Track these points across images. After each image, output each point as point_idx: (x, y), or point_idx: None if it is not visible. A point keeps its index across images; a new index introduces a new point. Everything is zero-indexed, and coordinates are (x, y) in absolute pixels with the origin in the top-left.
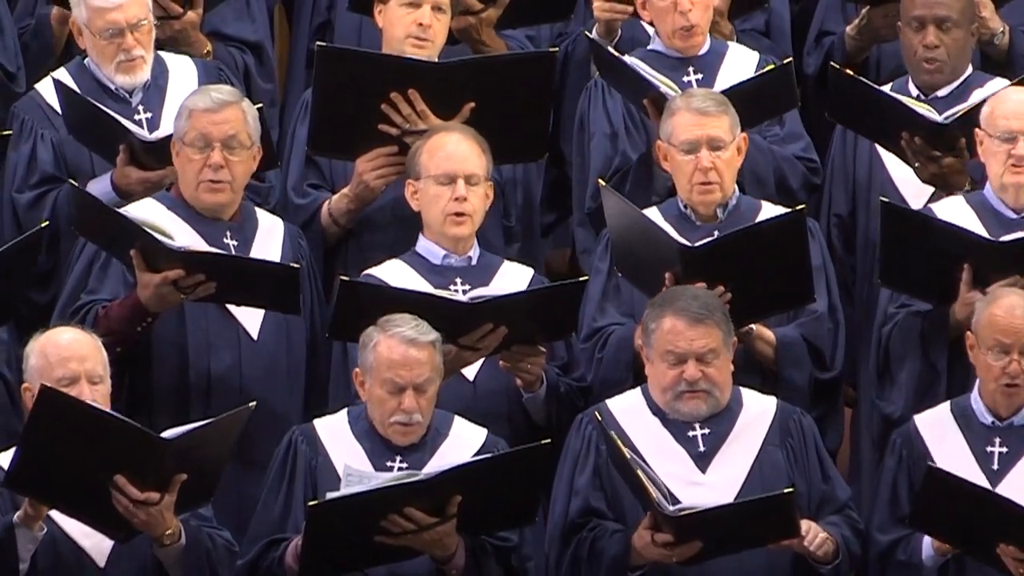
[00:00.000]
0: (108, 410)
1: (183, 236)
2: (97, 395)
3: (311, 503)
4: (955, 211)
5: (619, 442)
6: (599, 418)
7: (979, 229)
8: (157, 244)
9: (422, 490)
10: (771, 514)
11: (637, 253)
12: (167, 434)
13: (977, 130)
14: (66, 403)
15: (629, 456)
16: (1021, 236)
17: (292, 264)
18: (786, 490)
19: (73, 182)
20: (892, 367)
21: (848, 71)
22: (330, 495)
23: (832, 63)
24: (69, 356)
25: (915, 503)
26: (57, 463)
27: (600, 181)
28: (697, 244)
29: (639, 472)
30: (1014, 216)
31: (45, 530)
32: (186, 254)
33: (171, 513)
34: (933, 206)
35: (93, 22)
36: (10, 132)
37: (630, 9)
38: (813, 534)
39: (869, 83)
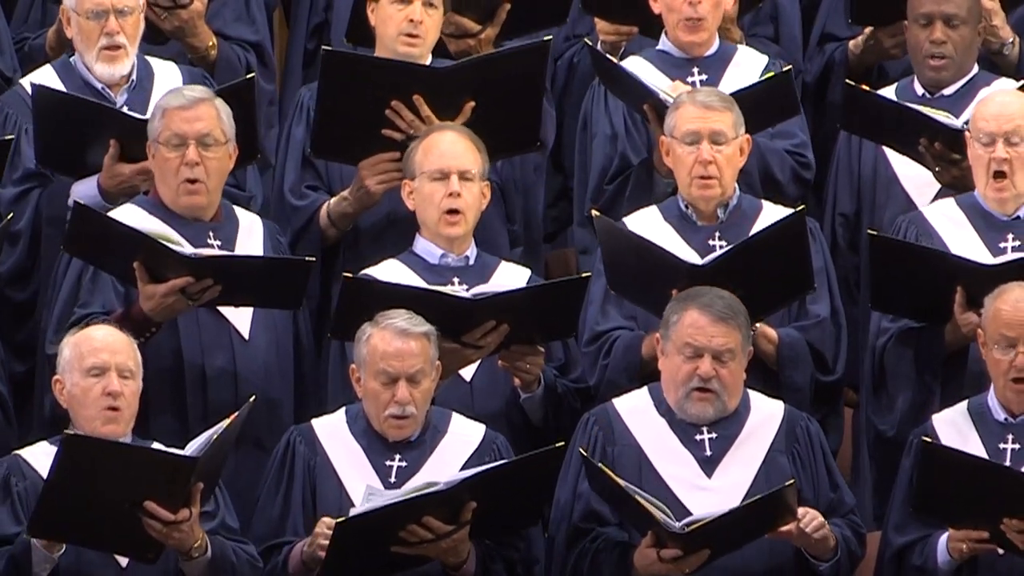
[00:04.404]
0: (134, 443)
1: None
2: (126, 389)
3: (338, 520)
4: (946, 214)
5: (610, 473)
6: (584, 453)
7: (971, 232)
8: (167, 252)
9: (441, 499)
10: (773, 508)
11: (637, 275)
12: (188, 450)
13: (967, 133)
14: (91, 444)
15: (623, 485)
16: (1012, 259)
17: (307, 258)
18: (787, 483)
19: (80, 200)
20: (887, 385)
21: (864, 87)
22: (353, 511)
23: (847, 81)
24: (101, 347)
25: (916, 486)
26: (83, 503)
27: (594, 212)
28: (706, 262)
29: (637, 498)
30: (1004, 218)
31: (63, 550)
32: (200, 260)
33: (199, 526)
34: (924, 209)
35: (81, 3)
36: (12, 137)
37: (635, 30)
38: (810, 518)
39: (885, 97)
